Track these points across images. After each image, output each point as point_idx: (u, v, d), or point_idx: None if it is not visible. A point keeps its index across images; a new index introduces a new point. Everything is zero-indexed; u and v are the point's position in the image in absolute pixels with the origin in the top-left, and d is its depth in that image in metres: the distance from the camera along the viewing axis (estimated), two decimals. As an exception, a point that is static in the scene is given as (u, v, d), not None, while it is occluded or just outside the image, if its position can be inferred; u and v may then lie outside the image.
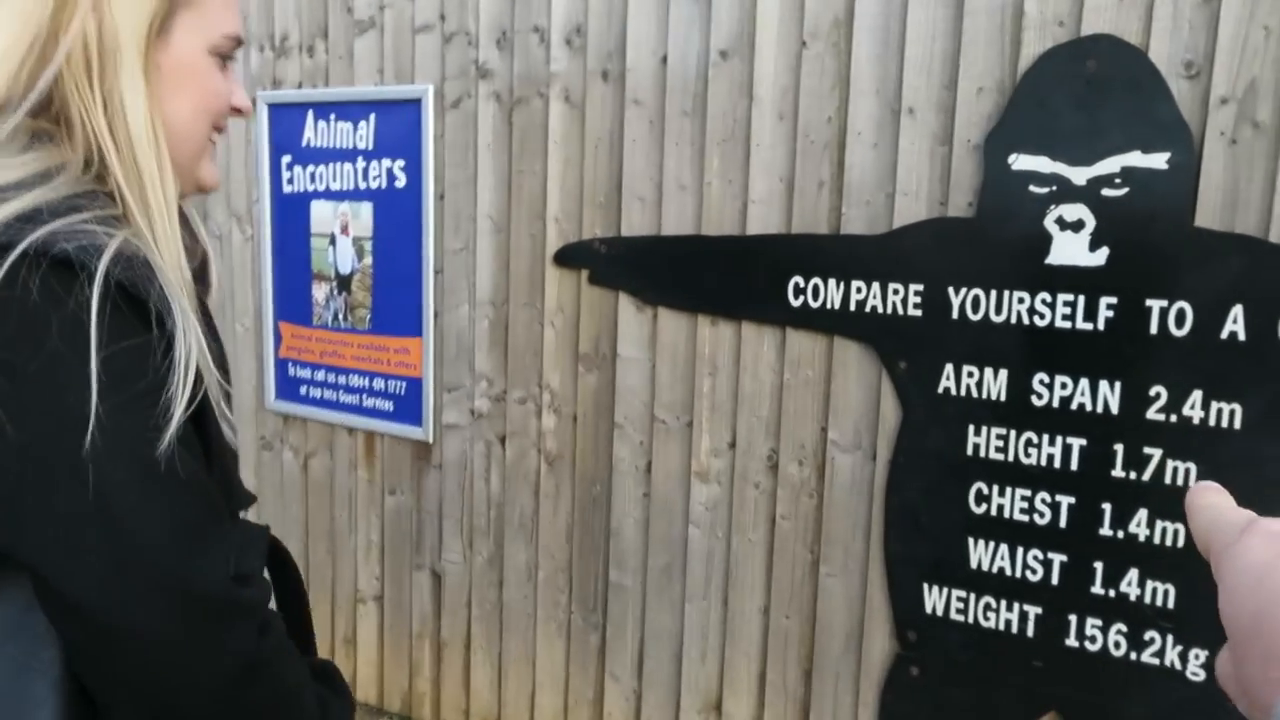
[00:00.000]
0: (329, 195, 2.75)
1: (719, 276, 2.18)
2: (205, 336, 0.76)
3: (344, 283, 2.77)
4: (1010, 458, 1.92)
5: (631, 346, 2.37)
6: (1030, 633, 1.96)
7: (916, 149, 1.95)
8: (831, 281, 2.06)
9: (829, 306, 2.07)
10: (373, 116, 2.64)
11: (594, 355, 2.44)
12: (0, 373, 0.66)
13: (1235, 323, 1.70)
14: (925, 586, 2.05)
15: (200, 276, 0.84)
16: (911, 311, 1.98)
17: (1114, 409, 1.81)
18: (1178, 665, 1.83)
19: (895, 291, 1.99)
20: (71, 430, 0.66)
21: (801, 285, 2.09)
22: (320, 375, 2.87)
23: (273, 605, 0.85)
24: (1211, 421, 1.74)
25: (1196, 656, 1.81)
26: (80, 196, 0.72)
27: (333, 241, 2.76)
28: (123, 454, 0.68)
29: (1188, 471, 1.77)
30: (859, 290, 2.03)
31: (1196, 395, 1.74)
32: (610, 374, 2.41)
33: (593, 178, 2.36)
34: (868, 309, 2.03)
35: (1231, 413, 1.72)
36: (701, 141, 2.18)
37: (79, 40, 0.73)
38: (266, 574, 0.86)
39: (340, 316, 2.80)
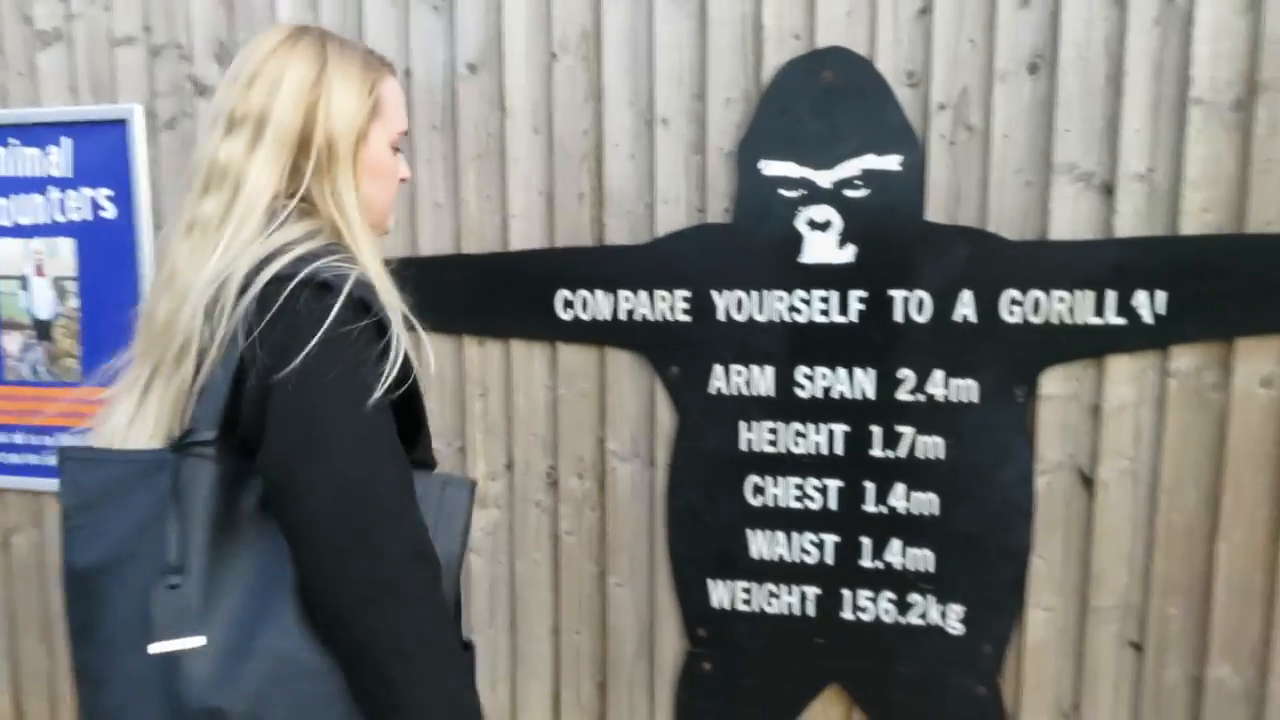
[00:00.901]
0: (17, 231, 2.40)
1: (483, 295, 2.13)
2: None
3: (43, 330, 2.43)
4: (781, 449, 2.02)
5: (392, 374, 2.25)
6: (811, 612, 2.06)
7: (672, 158, 2.00)
8: (599, 293, 2.07)
9: (598, 318, 2.08)
10: (67, 140, 2.34)
11: (351, 387, 2.29)
12: (279, 353, 0.97)
13: (966, 306, 1.89)
14: (710, 582, 2.10)
15: None
16: (680, 317, 2.03)
17: (870, 394, 1.96)
18: (939, 622, 2.00)
19: (662, 299, 2.03)
20: (302, 378, 0.97)
21: (569, 298, 2.09)
22: (18, 438, 2.50)
23: None
24: (953, 397, 1.92)
25: (955, 611, 1.99)
26: (330, 246, 1.06)
27: (25, 284, 2.42)
28: (325, 397, 0.98)
29: (936, 445, 1.94)
30: (627, 300, 2.06)
31: (939, 375, 1.92)
32: (371, 405, 2.28)
33: (337, 199, 2.22)
34: (637, 318, 2.06)
35: (969, 388, 1.91)
36: (455, 157, 2.12)
37: (317, 152, 1.08)
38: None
39: (40, 369, 2.45)
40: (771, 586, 2.07)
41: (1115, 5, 1.77)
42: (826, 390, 1.98)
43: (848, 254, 1.92)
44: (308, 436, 0.97)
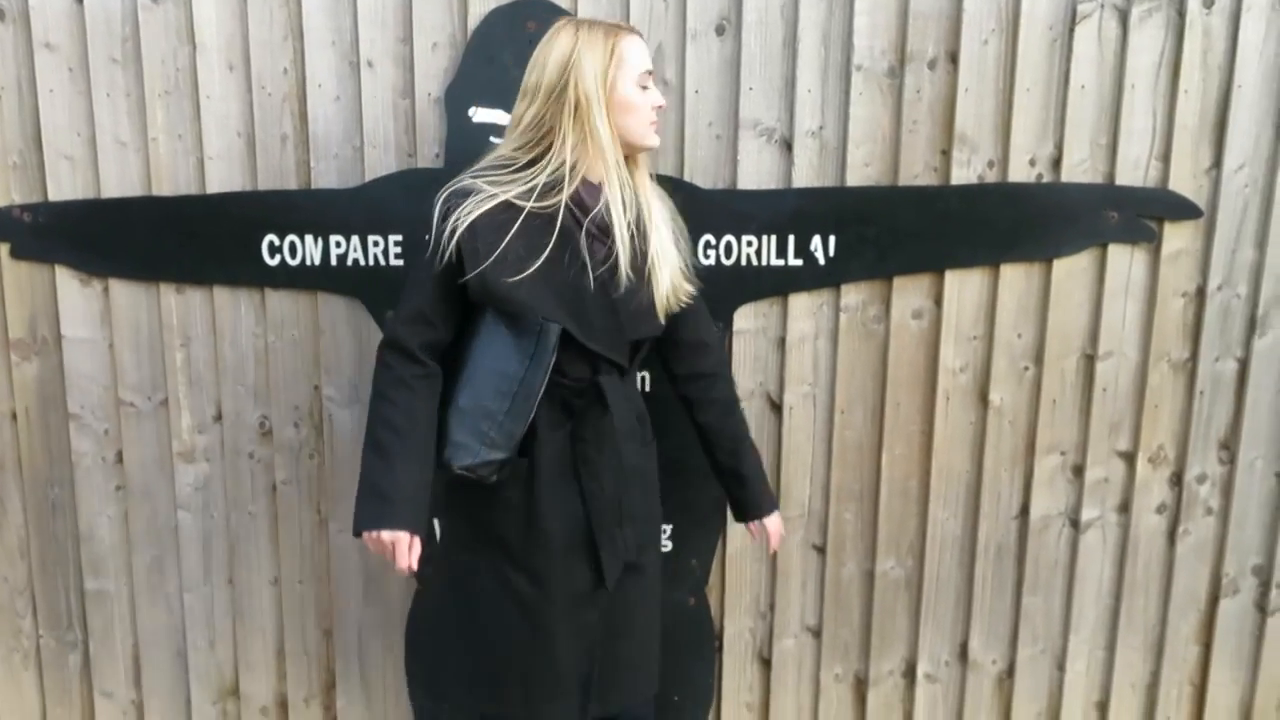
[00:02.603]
0: None
1: (180, 240, 2.02)
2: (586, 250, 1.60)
3: None
4: (499, 389, 2.08)
5: (79, 326, 2.10)
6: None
7: (379, 101, 1.97)
8: (309, 238, 2.02)
9: (309, 263, 2.03)
10: None
11: (31, 341, 2.11)
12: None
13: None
14: (435, 522, 2.14)
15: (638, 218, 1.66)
16: (394, 262, 2.03)
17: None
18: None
19: (375, 243, 2.02)
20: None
21: (276, 243, 2.02)
22: None
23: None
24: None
25: (664, 531, 2.16)
26: (490, 168, 1.62)
27: None
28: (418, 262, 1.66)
29: (644, 379, 2.07)
30: (339, 245, 2.02)
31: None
32: (56, 359, 2.12)
33: (0, 135, 2.01)
34: (349, 262, 2.03)
35: (670, 325, 2.04)
36: (140, 92, 1.98)
37: (575, 104, 1.55)
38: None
39: None
40: (494, 521, 2.15)
41: (789, -25, 1.94)
42: (540, 332, 2.05)
43: (556, 200, 1.99)
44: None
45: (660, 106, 1.64)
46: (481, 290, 1.57)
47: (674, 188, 1.98)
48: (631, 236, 1.62)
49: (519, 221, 1.56)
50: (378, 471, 1.61)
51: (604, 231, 1.61)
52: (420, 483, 1.62)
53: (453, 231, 1.54)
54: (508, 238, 1.55)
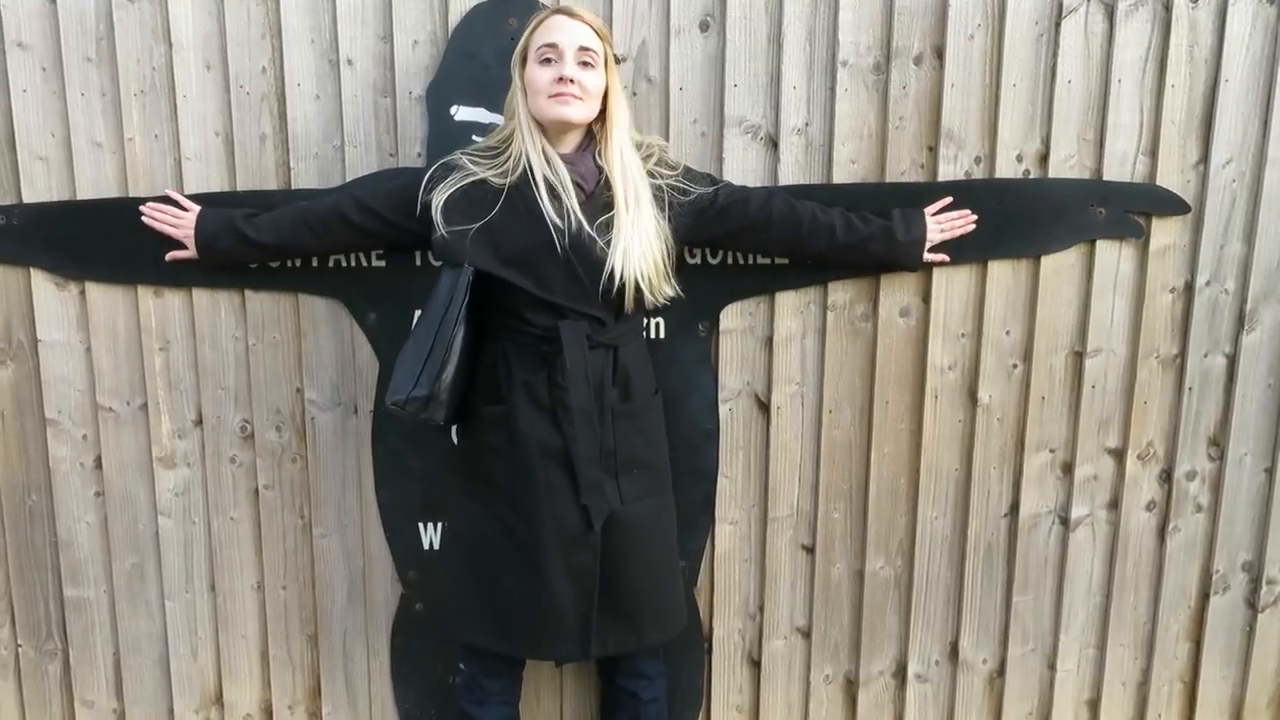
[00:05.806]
0: None
1: (158, 241, 1.98)
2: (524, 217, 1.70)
3: None
4: (483, 391, 2.06)
5: (55, 330, 2.06)
6: (518, 546, 2.13)
7: (360, 100, 1.95)
8: (289, 238, 1.99)
9: (289, 264, 2.00)
10: None
11: (6, 345, 2.08)
12: None
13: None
14: (420, 526, 2.13)
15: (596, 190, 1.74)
16: (376, 262, 2.00)
17: (566, 334, 2.02)
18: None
19: (357, 244, 1.99)
20: None
21: (256, 244, 1.99)
22: None
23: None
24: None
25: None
26: (473, 149, 1.79)
27: None
28: None
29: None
30: (319, 245, 1.99)
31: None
32: (32, 364, 2.08)
33: (-27, 136, 1.98)
34: (330, 263, 2.00)
35: (657, 325, 2.03)
36: (115, 92, 1.94)
37: (514, 87, 1.73)
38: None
39: None
40: (480, 524, 2.12)
41: (773, -30, 1.92)
42: (525, 332, 2.03)
43: (540, 199, 1.97)
44: None
45: (561, 78, 1.65)
46: (440, 247, 1.73)
47: (659, 186, 1.97)
48: (585, 203, 1.71)
49: (477, 189, 1.71)
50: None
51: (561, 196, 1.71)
52: (223, 225, 1.91)
53: (429, 199, 1.73)
54: (458, 201, 1.71)
